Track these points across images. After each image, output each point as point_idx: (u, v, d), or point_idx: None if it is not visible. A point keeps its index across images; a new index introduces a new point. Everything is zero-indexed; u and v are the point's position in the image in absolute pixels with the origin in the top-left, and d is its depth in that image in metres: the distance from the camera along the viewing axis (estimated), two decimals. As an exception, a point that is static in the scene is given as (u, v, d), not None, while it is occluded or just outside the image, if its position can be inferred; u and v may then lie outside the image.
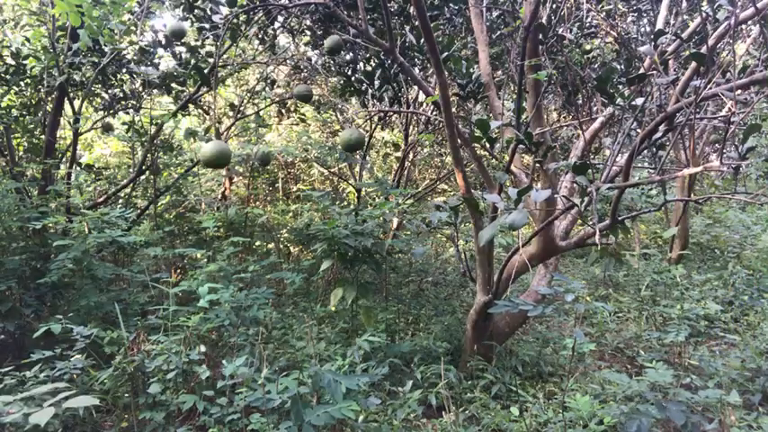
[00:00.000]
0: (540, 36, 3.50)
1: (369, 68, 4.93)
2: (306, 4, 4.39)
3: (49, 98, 4.97)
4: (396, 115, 6.96)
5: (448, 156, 8.28)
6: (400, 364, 3.88)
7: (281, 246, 6.65)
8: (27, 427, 1.95)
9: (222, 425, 2.73)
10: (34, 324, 3.58)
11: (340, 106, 7.17)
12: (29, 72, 4.85)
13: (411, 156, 7.64)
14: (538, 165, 3.44)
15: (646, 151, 3.57)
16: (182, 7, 4.80)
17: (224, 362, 2.87)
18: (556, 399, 3.61)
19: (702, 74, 2.78)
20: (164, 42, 5.20)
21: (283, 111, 7.03)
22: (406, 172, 7.58)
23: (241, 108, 6.61)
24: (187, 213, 6.35)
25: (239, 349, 3.40)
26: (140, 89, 5.62)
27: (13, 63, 4.78)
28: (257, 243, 6.31)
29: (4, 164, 5.00)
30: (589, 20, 4.57)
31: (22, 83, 4.96)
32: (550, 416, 3.25)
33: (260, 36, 5.65)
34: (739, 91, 2.82)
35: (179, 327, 3.37)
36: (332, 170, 8.08)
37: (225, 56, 5.41)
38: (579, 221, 4.19)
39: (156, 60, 5.40)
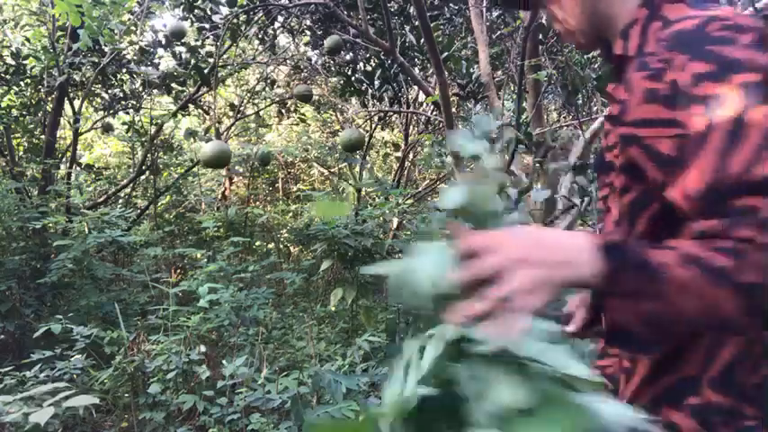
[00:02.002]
0: (540, 36, 3.50)
1: (369, 68, 4.93)
2: (306, 4, 4.40)
3: (49, 98, 4.97)
4: (396, 115, 6.96)
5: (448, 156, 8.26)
6: (400, 364, 3.88)
7: (281, 246, 6.65)
8: (27, 427, 1.95)
9: (222, 425, 2.73)
10: (34, 324, 3.58)
11: (340, 106, 7.17)
12: (29, 72, 4.85)
13: (411, 156, 7.63)
14: (538, 165, 3.44)
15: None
16: (182, 7, 4.80)
17: (224, 362, 2.87)
18: (556, 399, 3.61)
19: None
20: (164, 42, 5.20)
21: (283, 111, 7.03)
22: (406, 172, 7.58)
23: (241, 108, 6.61)
24: (187, 213, 6.35)
25: (239, 349, 3.40)
26: (140, 89, 5.61)
27: (13, 63, 4.78)
28: (257, 243, 6.31)
29: (4, 164, 5.00)
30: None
31: (22, 83, 4.96)
32: (550, 416, 3.25)
33: (260, 36, 5.65)
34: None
35: (179, 327, 3.37)
36: (332, 170, 8.08)
37: (225, 56, 5.41)
38: (579, 221, 4.18)
39: (156, 60, 5.40)
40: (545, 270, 0.63)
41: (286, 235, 6.62)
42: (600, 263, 0.65)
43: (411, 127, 6.91)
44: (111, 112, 5.70)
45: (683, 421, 0.79)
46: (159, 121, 5.30)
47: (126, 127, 5.52)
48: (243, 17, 4.80)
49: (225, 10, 4.50)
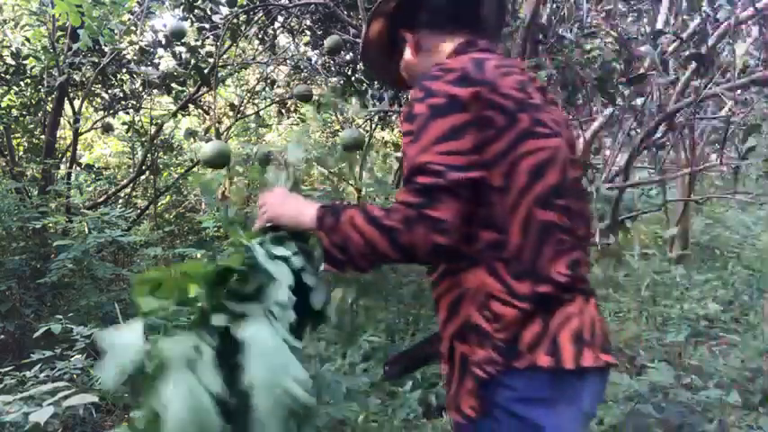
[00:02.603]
0: (540, 36, 3.49)
1: (369, 68, 4.91)
2: (306, 4, 4.40)
3: (49, 98, 4.97)
4: (396, 115, 6.96)
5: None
6: (400, 364, 3.87)
7: (281, 246, 6.63)
8: (27, 427, 1.95)
9: (222, 425, 2.72)
10: (34, 324, 3.58)
11: (340, 106, 7.17)
12: (29, 72, 4.85)
13: (411, 156, 7.62)
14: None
15: (646, 151, 3.57)
16: (182, 7, 4.80)
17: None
18: (556, 399, 3.60)
19: (702, 74, 2.78)
20: (164, 42, 5.20)
21: (283, 111, 7.03)
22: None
23: (241, 108, 6.61)
24: (187, 213, 6.35)
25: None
26: (140, 89, 5.61)
27: (13, 63, 4.77)
28: (257, 243, 6.29)
29: (4, 164, 5.00)
30: (589, 20, 4.57)
31: (22, 83, 4.96)
32: (550, 416, 3.24)
33: (260, 36, 5.65)
34: (739, 91, 2.82)
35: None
36: (332, 170, 8.07)
37: (225, 56, 5.41)
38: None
39: (156, 60, 5.39)
40: (278, 214, 1.22)
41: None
42: (316, 218, 1.13)
43: (411, 127, 6.89)
44: (111, 112, 5.70)
45: (471, 351, 1.14)
46: (159, 121, 5.29)
47: (126, 127, 5.52)
48: (243, 17, 4.80)
49: (225, 10, 4.49)
